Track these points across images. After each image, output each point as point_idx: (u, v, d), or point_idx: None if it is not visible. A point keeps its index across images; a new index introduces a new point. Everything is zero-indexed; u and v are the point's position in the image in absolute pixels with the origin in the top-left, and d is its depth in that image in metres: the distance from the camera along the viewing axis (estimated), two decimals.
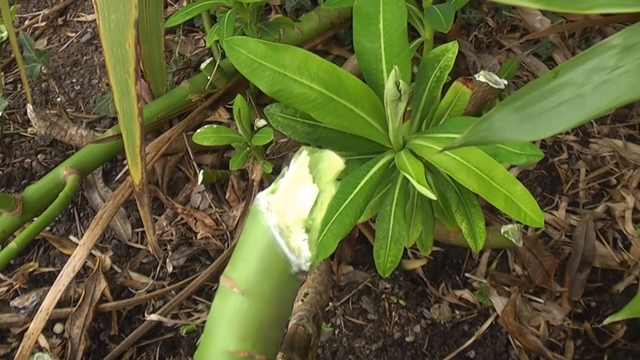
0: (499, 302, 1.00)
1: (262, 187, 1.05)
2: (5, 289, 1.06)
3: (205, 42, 1.37)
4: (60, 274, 0.92)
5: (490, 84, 0.84)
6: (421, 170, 0.64)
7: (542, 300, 1.01)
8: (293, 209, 0.33)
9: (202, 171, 1.05)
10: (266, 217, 0.33)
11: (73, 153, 1.11)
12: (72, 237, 1.13)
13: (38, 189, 1.02)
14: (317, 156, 0.33)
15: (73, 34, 1.47)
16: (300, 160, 0.33)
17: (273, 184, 0.33)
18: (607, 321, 0.63)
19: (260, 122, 0.99)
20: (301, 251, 0.32)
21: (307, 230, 0.32)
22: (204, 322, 0.93)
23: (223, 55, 1.17)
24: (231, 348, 0.34)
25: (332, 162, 0.33)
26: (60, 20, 1.50)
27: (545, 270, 0.99)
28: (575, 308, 1.00)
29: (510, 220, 1.06)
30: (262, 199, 0.33)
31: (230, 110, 1.20)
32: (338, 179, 0.33)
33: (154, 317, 1.01)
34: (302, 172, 0.33)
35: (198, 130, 0.97)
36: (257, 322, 0.34)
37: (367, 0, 0.68)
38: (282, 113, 0.71)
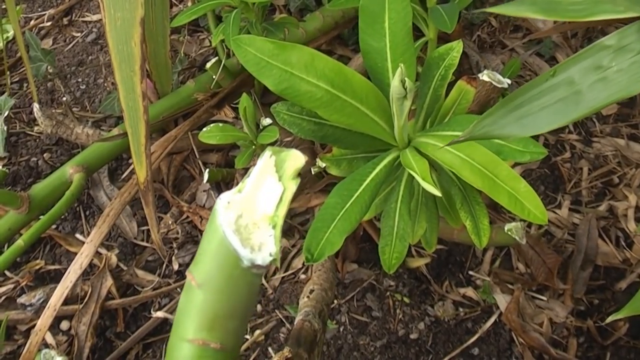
0: (502, 300, 1.01)
1: None
2: (12, 286, 1.07)
3: (210, 41, 1.38)
4: (67, 271, 0.92)
5: (494, 83, 0.85)
6: (426, 168, 0.65)
7: (545, 298, 1.01)
8: (259, 207, 0.35)
9: (207, 170, 1.06)
10: (220, 215, 0.35)
11: (79, 152, 1.12)
12: (78, 235, 1.13)
13: (44, 187, 1.03)
14: (283, 155, 0.35)
15: (78, 34, 1.48)
16: (265, 160, 0.35)
17: (240, 183, 0.35)
18: (609, 320, 0.64)
19: (266, 121, 1.00)
20: (266, 246, 0.34)
21: (273, 226, 0.34)
22: None
23: (228, 55, 1.18)
24: (189, 336, 0.37)
25: (296, 159, 0.35)
26: (65, 20, 1.51)
27: (548, 268, 1.00)
28: (578, 305, 1.00)
29: (513, 219, 1.07)
30: (224, 198, 0.35)
31: (235, 109, 1.20)
32: (299, 175, 0.35)
33: (160, 314, 1.01)
34: (267, 171, 0.35)
35: (204, 129, 0.98)
36: (211, 313, 0.37)
37: None
38: (289, 111, 0.72)
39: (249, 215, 0.35)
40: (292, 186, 0.34)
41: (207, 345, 0.37)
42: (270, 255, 0.34)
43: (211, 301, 0.37)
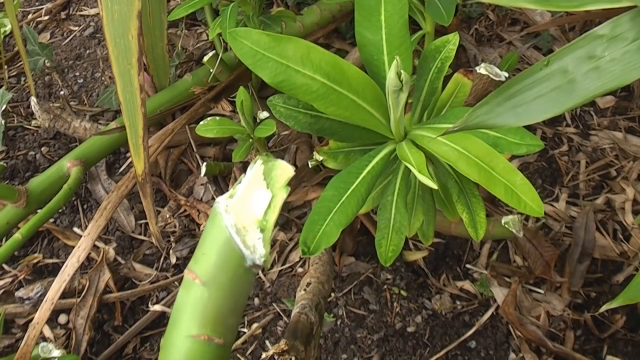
0: (499, 293, 1.01)
1: None
2: (9, 280, 1.07)
3: (207, 35, 1.38)
4: (65, 264, 0.92)
5: (491, 76, 0.85)
6: (422, 160, 0.65)
7: (542, 291, 1.02)
8: (249, 211, 0.37)
9: (204, 163, 1.06)
10: (224, 217, 0.37)
11: (76, 146, 1.12)
12: (76, 229, 1.13)
13: (42, 181, 1.03)
14: (271, 165, 0.38)
15: (76, 28, 1.47)
16: (255, 168, 0.38)
17: (231, 189, 0.38)
18: (603, 308, 0.64)
19: (263, 114, 0.99)
20: (256, 248, 0.37)
21: (262, 230, 0.36)
22: None
23: (225, 48, 1.18)
24: (193, 332, 0.38)
25: (284, 169, 0.38)
26: (63, 14, 1.51)
27: (545, 261, 1.00)
28: (575, 298, 1.01)
29: (510, 212, 1.07)
30: (222, 202, 0.37)
31: (232, 103, 1.20)
32: (288, 185, 0.37)
33: (157, 307, 1.02)
34: (257, 179, 0.37)
35: (201, 123, 0.98)
36: (215, 310, 0.39)
37: None
38: (285, 104, 0.72)
39: (240, 219, 0.37)
40: (282, 194, 0.37)
41: (212, 340, 0.38)
42: (261, 256, 0.37)
43: (216, 298, 0.38)
